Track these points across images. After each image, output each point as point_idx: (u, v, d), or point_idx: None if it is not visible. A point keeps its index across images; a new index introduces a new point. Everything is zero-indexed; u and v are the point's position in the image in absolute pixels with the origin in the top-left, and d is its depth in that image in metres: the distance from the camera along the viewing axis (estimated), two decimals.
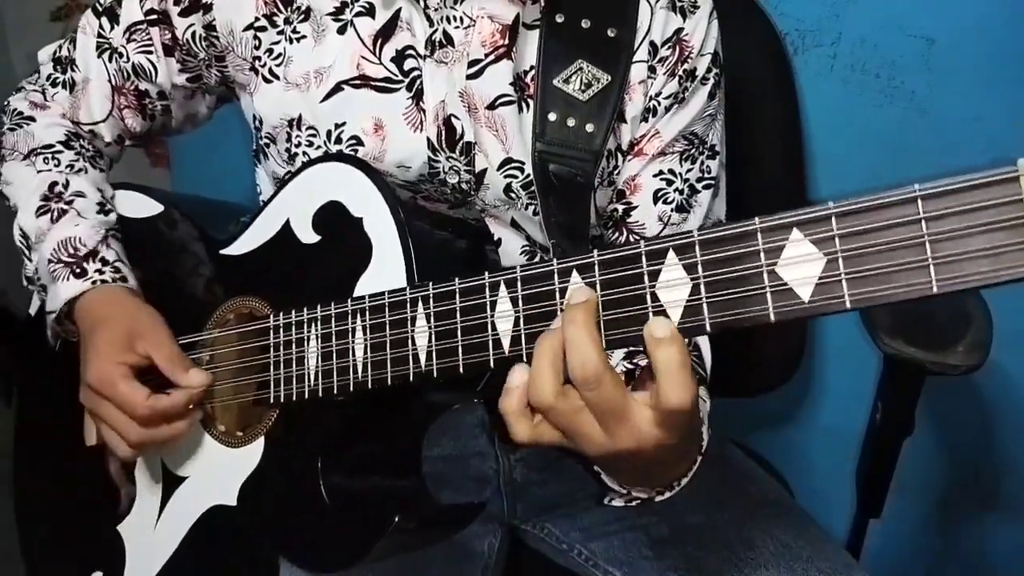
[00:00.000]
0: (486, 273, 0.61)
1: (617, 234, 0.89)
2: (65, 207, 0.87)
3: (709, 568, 0.83)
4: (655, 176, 0.86)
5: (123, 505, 0.88)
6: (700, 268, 0.52)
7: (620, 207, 0.87)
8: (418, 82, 0.82)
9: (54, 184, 0.88)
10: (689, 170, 0.86)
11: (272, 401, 0.77)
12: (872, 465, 1.04)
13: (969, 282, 0.44)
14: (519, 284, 0.59)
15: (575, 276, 0.56)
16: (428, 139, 0.82)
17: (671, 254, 0.53)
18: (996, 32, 1.12)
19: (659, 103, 0.84)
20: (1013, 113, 1.13)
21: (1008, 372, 1.25)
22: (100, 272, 0.84)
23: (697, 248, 0.52)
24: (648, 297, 0.53)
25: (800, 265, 0.48)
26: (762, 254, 0.49)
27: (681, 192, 0.86)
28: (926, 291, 0.45)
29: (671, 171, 0.86)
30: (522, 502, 0.96)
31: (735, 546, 0.84)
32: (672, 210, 0.86)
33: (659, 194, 0.86)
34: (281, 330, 0.77)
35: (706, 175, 0.88)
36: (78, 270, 0.84)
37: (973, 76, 1.14)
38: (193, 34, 0.87)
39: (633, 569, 0.87)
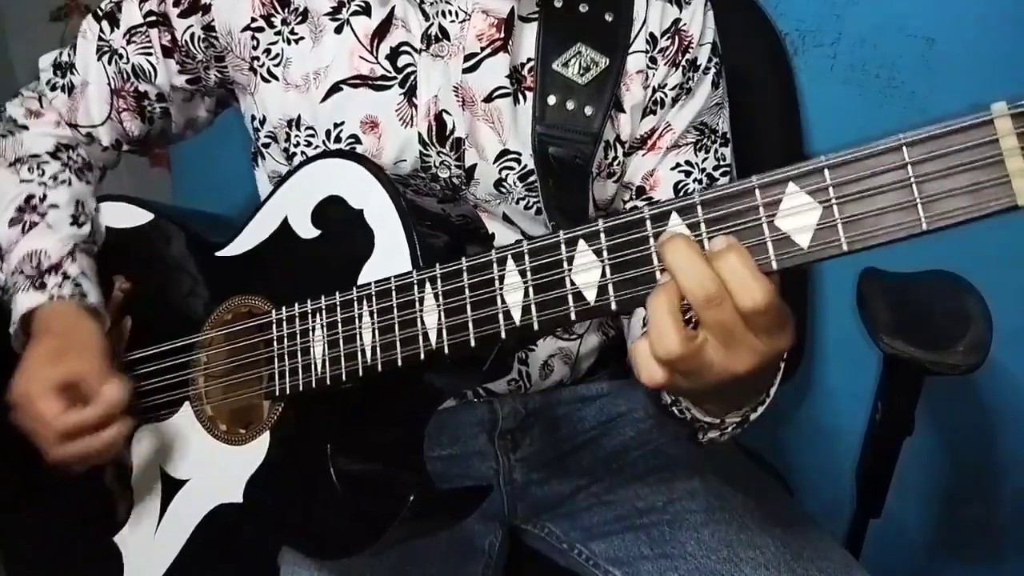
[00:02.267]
0: (492, 250, 0.62)
1: None
2: (37, 219, 0.87)
3: (709, 568, 0.83)
4: (672, 169, 0.87)
5: (119, 515, 0.86)
6: (703, 226, 0.53)
7: (642, 204, 0.88)
8: (412, 78, 0.83)
9: (31, 197, 0.89)
10: (705, 159, 0.88)
11: (277, 394, 0.77)
12: (872, 465, 1.04)
13: (954, 217, 0.47)
14: (526, 257, 0.60)
15: (582, 244, 0.57)
16: (419, 134, 0.83)
17: (674, 216, 0.54)
18: (996, 32, 1.12)
19: (665, 95, 0.85)
20: None
21: (1008, 372, 1.25)
22: (59, 287, 0.84)
23: (699, 208, 0.53)
24: (654, 258, 0.55)
25: (798, 215, 0.51)
26: (761, 208, 0.52)
27: (700, 182, 0.87)
28: (916, 228, 0.48)
29: (688, 162, 0.87)
30: (522, 502, 0.96)
31: (735, 546, 0.84)
32: None
33: (679, 186, 0.87)
34: (284, 323, 0.77)
35: (722, 163, 0.89)
36: (38, 283, 0.84)
37: (973, 76, 1.14)
38: (192, 35, 0.87)
39: (633, 569, 0.87)
